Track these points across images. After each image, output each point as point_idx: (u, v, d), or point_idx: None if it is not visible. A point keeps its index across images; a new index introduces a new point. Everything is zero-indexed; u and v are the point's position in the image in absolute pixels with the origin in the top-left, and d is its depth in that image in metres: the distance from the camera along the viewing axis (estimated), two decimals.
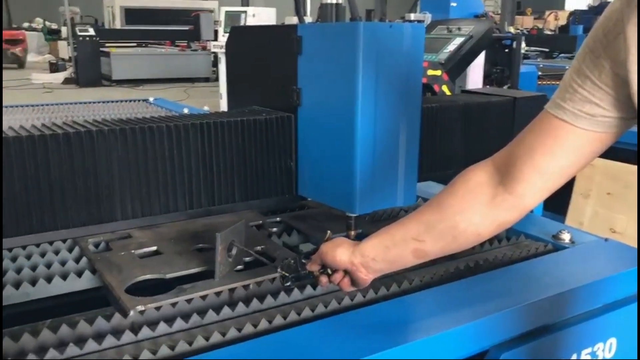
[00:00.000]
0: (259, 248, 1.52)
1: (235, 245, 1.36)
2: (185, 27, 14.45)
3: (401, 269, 1.18)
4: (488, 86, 4.81)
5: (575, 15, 13.89)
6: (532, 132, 0.99)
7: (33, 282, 1.33)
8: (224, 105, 7.69)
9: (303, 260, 1.23)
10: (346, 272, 1.16)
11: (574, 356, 1.33)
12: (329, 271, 1.18)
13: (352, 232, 1.59)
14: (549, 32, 13.88)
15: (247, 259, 1.44)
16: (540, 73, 5.63)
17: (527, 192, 0.99)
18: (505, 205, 1.00)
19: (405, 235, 1.08)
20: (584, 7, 19.18)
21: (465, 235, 1.04)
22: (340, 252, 1.14)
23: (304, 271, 1.22)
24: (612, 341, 1.39)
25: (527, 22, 19.14)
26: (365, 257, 1.12)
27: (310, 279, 1.24)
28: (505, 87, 4.86)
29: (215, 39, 9.84)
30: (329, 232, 1.27)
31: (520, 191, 0.99)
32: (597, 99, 0.90)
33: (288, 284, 1.23)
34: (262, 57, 1.88)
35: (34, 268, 1.40)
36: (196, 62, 14.05)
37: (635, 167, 2.95)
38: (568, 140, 0.94)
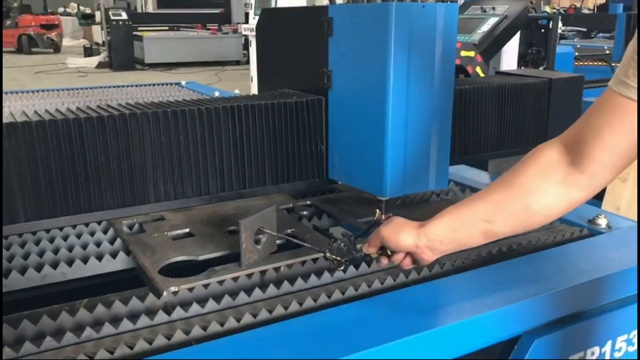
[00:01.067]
0: (289, 231, 1.52)
1: (265, 232, 1.35)
2: (216, 10, 14.48)
3: (467, 248, 1.17)
4: (523, 67, 4.70)
5: None
6: (598, 112, 0.97)
7: (70, 263, 1.36)
8: (254, 88, 7.70)
9: (355, 243, 1.20)
10: (408, 252, 1.15)
11: (609, 343, 1.30)
12: (389, 252, 1.17)
13: (383, 216, 1.58)
14: (587, 11, 13.48)
15: (279, 241, 1.44)
16: (577, 54, 5.48)
17: (598, 171, 0.99)
18: (577, 184, 1.00)
19: (474, 216, 1.07)
20: None
21: (538, 215, 1.04)
22: (405, 236, 1.12)
23: (359, 254, 1.20)
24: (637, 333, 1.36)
25: (564, 0, 18.62)
26: (432, 240, 1.10)
27: (365, 260, 1.22)
28: (541, 68, 4.75)
29: (246, 22, 9.84)
30: (377, 211, 1.24)
31: (592, 170, 0.98)
32: None
33: (342, 268, 1.21)
34: (292, 39, 1.88)
35: (70, 249, 1.43)
36: (227, 45, 14.10)
37: None
38: (634, 117, 0.92)
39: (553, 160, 1.02)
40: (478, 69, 3.80)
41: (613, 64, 5.22)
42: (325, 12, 1.63)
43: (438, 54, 1.49)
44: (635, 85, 0.91)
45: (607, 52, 6.47)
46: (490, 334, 1.14)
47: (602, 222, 1.57)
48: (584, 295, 1.27)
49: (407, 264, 1.18)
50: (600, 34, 9.07)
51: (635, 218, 1.66)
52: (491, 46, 3.98)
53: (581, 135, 0.99)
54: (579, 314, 1.26)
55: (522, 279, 1.25)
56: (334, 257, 1.20)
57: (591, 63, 5.56)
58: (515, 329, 1.18)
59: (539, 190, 1.02)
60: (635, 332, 1.34)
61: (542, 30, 4.85)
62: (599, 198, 3.18)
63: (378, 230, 1.17)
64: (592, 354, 1.27)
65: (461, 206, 1.10)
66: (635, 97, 0.91)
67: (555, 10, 12.12)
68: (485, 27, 4.06)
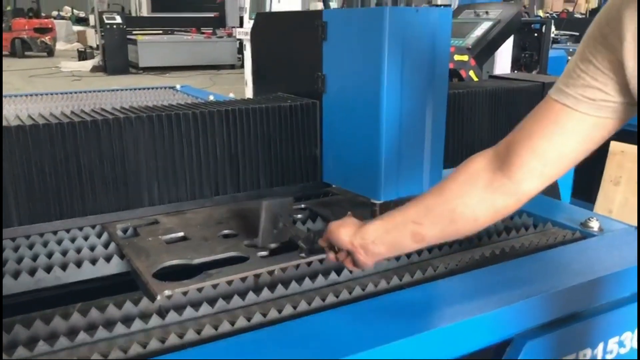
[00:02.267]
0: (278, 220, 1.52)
1: (281, 221, 1.42)
2: (211, 14, 14.50)
3: (401, 253, 1.21)
4: (516, 71, 4.73)
5: None
6: (533, 117, 0.98)
7: (64, 267, 1.36)
8: (249, 92, 7.71)
9: (320, 236, 1.29)
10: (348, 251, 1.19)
11: (601, 344, 1.31)
12: (336, 248, 1.23)
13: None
14: (579, 16, 13.56)
15: (273, 245, 1.45)
16: (569, 57, 5.51)
17: (525, 177, 0.98)
18: (502, 189, 1.00)
19: (404, 218, 1.09)
20: None
21: (463, 219, 1.05)
22: (344, 232, 1.16)
23: (317, 245, 1.29)
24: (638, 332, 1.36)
25: (556, 5, 18.72)
26: (365, 240, 1.13)
27: (321, 252, 1.30)
28: (534, 72, 4.77)
29: (241, 26, 9.85)
30: (349, 213, 1.29)
31: (519, 176, 0.98)
32: (600, 84, 0.89)
33: (302, 254, 1.33)
34: (287, 44, 1.88)
35: (64, 253, 1.43)
36: (222, 49, 14.12)
37: None
38: (568, 125, 0.93)
39: (482, 167, 1.03)
40: (471, 73, 3.82)
41: None
42: (320, 17, 1.64)
43: (432, 57, 1.50)
44: (573, 94, 0.91)
45: None
46: (483, 337, 1.15)
47: (594, 224, 1.58)
48: (576, 297, 1.27)
49: (349, 263, 1.21)
50: None
51: (627, 221, 1.67)
52: (484, 50, 4.00)
53: (513, 140, 0.99)
54: (571, 316, 1.26)
55: (515, 282, 1.26)
56: (301, 244, 1.34)
57: None
58: (507, 331, 1.19)
59: (464, 194, 1.03)
60: (628, 333, 1.35)
61: (535, 35, 4.88)
62: (591, 201, 3.20)
63: (329, 225, 1.22)
64: (584, 355, 1.27)
65: (396, 210, 1.12)
66: (571, 105, 0.91)
67: (548, 15, 12.19)
68: (479, 31, 4.08)
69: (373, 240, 1.13)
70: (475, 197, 1.02)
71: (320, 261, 1.36)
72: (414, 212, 1.08)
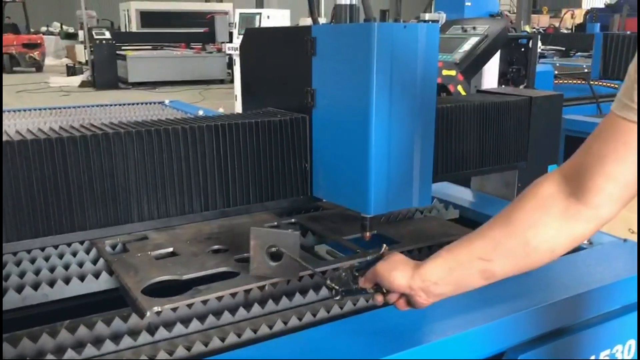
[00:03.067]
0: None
1: (284, 253, 1.29)
2: (200, 30, 14.54)
3: (466, 291, 1.06)
4: (504, 86, 4.77)
5: (592, 14, 13.73)
6: (600, 139, 0.91)
7: (51, 284, 1.34)
8: (238, 107, 7.72)
9: (356, 274, 1.16)
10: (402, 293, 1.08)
11: (592, 357, 1.31)
12: (384, 290, 1.11)
13: (367, 234, 1.58)
14: (565, 31, 13.75)
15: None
16: (556, 72, 5.58)
17: (603, 202, 0.91)
18: (580, 216, 0.93)
19: (470, 255, 1.00)
20: (601, 5, 18.98)
21: (538, 252, 0.97)
22: (399, 275, 1.05)
23: (356, 286, 1.15)
24: (632, 343, 1.37)
25: (543, 20, 18.97)
26: (426, 282, 1.03)
27: (362, 294, 1.18)
28: (521, 86, 4.82)
29: (230, 41, 9.89)
30: (385, 246, 1.19)
31: (596, 202, 0.91)
32: None
33: (338, 297, 1.18)
34: (276, 59, 1.89)
35: (52, 269, 1.42)
36: (211, 64, 14.14)
37: None
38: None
39: (552, 193, 0.95)
40: (459, 88, 3.85)
41: (591, 82, 5.32)
42: (309, 32, 1.65)
43: (420, 73, 1.51)
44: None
45: (586, 70, 6.60)
46: (475, 351, 1.15)
47: None
48: (567, 310, 1.28)
49: (402, 305, 1.10)
50: (579, 53, 9.25)
51: (616, 233, 1.68)
52: (472, 65, 4.04)
53: (583, 164, 0.92)
54: (562, 330, 1.27)
55: (506, 295, 1.26)
56: (333, 285, 1.17)
57: (570, 81, 5.66)
58: (499, 345, 1.19)
59: (538, 224, 0.95)
60: (619, 346, 1.36)
61: (522, 50, 4.94)
62: None
63: (375, 266, 1.10)
64: None
65: (457, 245, 1.03)
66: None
67: (534, 30, 12.34)
68: (467, 47, 4.12)
69: (436, 282, 1.02)
70: (551, 227, 0.95)
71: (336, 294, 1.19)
72: (480, 247, 0.99)
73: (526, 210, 0.96)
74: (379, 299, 1.12)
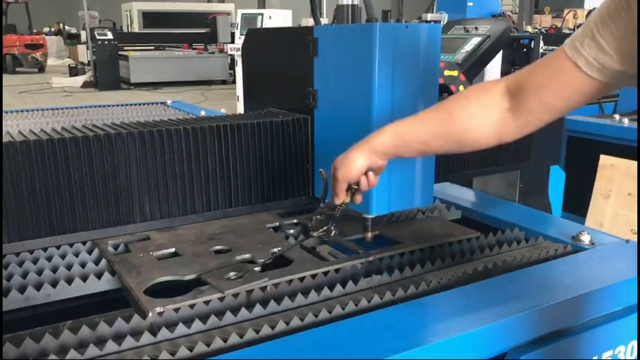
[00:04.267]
0: (276, 250, 1.52)
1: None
2: (202, 30, 14.56)
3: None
4: None
5: None
6: (545, 68, 1.07)
7: (54, 284, 1.35)
8: (240, 108, 7.73)
9: (323, 209, 1.32)
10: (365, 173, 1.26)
11: (595, 358, 1.31)
12: (354, 186, 1.26)
13: (369, 234, 1.58)
14: (567, 31, 13.73)
15: (267, 261, 1.44)
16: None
17: (531, 120, 1.10)
18: (509, 128, 1.12)
19: (414, 139, 1.20)
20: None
21: (468, 145, 1.18)
22: (357, 161, 1.23)
23: (337, 211, 1.29)
24: (634, 344, 1.37)
25: (545, 21, 18.97)
26: (379, 153, 1.23)
27: (345, 209, 1.30)
28: None
29: (232, 42, 9.90)
30: (321, 171, 1.34)
31: (525, 119, 1.10)
32: (612, 50, 0.95)
33: (333, 232, 1.30)
34: (278, 59, 1.89)
35: (54, 270, 1.42)
36: (213, 64, 14.16)
37: None
38: (575, 84, 1.01)
39: (494, 102, 1.12)
40: (462, 88, 3.85)
41: None
42: (311, 33, 1.65)
43: (422, 73, 1.51)
44: (587, 56, 0.97)
45: None
46: (477, 352, 1.15)
47: (586, 238, 1.58)
48: (570, 311, 1.27)
49: (373, 181, 1.29)
50: None
51: (618, 234, 1.67)
52: (474, 65, 4.04)
53: (525, 86, 1.08)
54: (564, 330, 1.26)
55: (508, 296, 1.26)
56: (320, 230, 1.30)
57: None
58: (501, 346, 1.19)
59: (474, 127, 1.14)
60: (621, 347, 1.35)
61: (524, 50, 4.94)
62: (582, 215, 3.21)
63: (333, 176, 1.27)
64: None
65: (403, 126, 1.21)
66: (583, 67, 0.98)
67: (536, 30, 12.34)
68: (469, 47, 4.12)
69: (385, 152, 1.23)
70: (484, 130, 1.13)
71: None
72: (423, 133, 1.18)
73: (469, 112, 1.14)
74: (359, 197, 1.30)
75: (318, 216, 1.30)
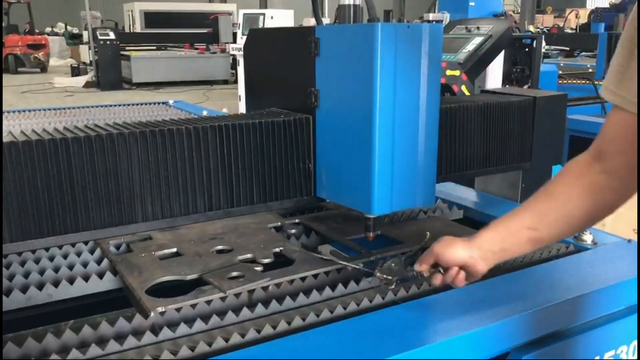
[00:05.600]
0: (277, 250, 1.52)
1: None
2: (204, 30, 14.56)
3: (517, 256, 1.26)
4: (508, 86, 4.76)
5: (597, 13, 13.69)
6: (608, 124, 1.06)
7: (56, 284, 1.35)
8: (242, 108, 7.73)
9: (405, 263, 1.24)
10: (461, 268, 1.20)
11: (597, 358, 1.31)
12: (441, 269, 1.21)
13: (371, 234, 1.58)
14: (569, 31, 13.71)
15: (267, 260, 1.44)
16: (560, 72, 5.57)
17: (624, 173, 1.04)
18: (608, 188, 1.08)
19: (520, 225, 1.15)
20: (606, 5, 18.93)
21: (577, 221, 1.13)
22: (458, 249, 1.18)
23: (411, 272, 1.24)
24: (636, 344, 1.36)
25: (547, 20, 18.94)
26: (484, 250, 1.17)
27: (417, 280, 1.25)
28: (525, 86, 4.81)
29: (234, 42, 9.90)
30: (428, 233, 1.32)
31: (618, 172, 1.05)
32: None
33: (393, 286, 1.24)
34: (280, 59, 1.89)
35: (56, 269, 1.42)
36: (215, 64, 14.15)
37: None
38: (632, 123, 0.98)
39: (583, 169, 1.10)
40: (463, 88, 3.84)
41: (596, 82, 5.31)
42: (312, 33, 1.65)
43: (424, 73, 1.51)
44: (625, 95, 0.96)
45: (590, 70, 6.58)
46: (479, 351, 1.15)
47: (588, 238, 1.58)
48: (572, 311, 1.27)
49: (461, 279, 1.21)
50: (583, 53, 9.23)
51: (621, 234, 1.67)
52: (476, 65, 4.03)
53: (601, 146, 1.08)
54: (566, 330, 1.26)
55: (510, 296, 1.26)
56: (385, 276, 1.23)
57: (574, 81, 5.65)
58: (503, 345, 1.19)
59: (574, 197, 1.10)
60: (624, 347, 1.35)
61: (526, 50, 4.93)
62: None
63: (431, 248, 1.22)
64: None
65: (507, 217, 1.17)
66: (628, 108, 0.97)
67: (538, 30, 12.32)
68: (470, 47, 4.11)
69: (491, 249, 1.17)
70: (586, 198, 1.09)
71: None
72: (528, 218, 1.14)
73: (565, 185, 1.12)
74: (438, 279, 1.23)
75: (392, 264, 1.24)
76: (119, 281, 1.40)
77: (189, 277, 1.37)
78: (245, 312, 1.21)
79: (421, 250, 1.26)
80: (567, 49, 9.52)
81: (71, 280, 1.36)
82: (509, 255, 1.21)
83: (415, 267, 1.24)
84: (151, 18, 16.19)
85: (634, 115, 0.97)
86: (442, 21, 4.98)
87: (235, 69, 11.29)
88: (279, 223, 1.75)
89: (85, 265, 1.45)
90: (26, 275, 1.38)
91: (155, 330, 1.14)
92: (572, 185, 1.11)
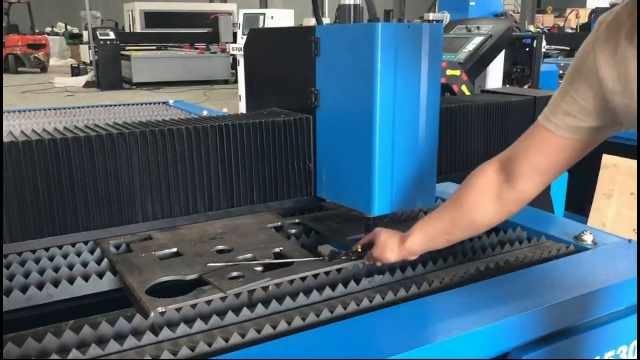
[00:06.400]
0: (277, 250, 1.52)
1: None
2: (205, 30, 14.56)
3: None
4: (508, 85, 4.76)
5: (597, 13, 13.66)
6: (528, 138, 1.20)
7: (56, 284, 1.35)
8: (242, 107, 7.73)
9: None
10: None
11: (597, 358, 1.31)
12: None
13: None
14: (570, 31, 13.70)
15: (268, 260, 1.44)
16: (561, 72, 5.56)
17: (527, 187, 1.20)
18: (510, 199, 1.23)
19: (438, 231, 1.33)
20: (606, 5, 18.92)
21: (482, 225, 1.31)
22: (391, 254, 1.35)
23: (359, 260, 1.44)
24: (636, 343, 1.36)
25: (547, 20, 18.93)
26: (411, 252, 1.35)
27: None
28: (525, 86, 4.81)
29: (234, 41, 9.90)
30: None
31: (522, 187, 1.20)
32: (575, 112, 1.09)
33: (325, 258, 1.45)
34: (280, 59, 1.89)
35: (56, 269, 1.42)
36: (215, 64, 14.14)
37: None
38: (555, 144, 1.14)
39: (491, 181, 1.24)
40: (464, 88, 3.84)
41: None
42: (313, 33, 1.65)
43: (424, 73, 1.51)
44: (555, 121, 1.12)
45: None
46: (479, 351, 1.14)
47: (588, 238, 1.58)
48: (572, 311, 1.27)
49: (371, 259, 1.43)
50: None
51: (621, 234, 1.67)
52: (476, 65, 4.03)
53: (512, 157, 1.21)
54: (567, 330, 1.26)
55: (510, 296, 1.26)
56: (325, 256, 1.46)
57: None
58: (504, 345, 1.19)
59: (481, 207, 1.26)
60: (624, 347, 1.35)
61: (527, 49, 4.93)
62: (584, 214, 3.21)
63: (370, 253, 1.40)
64: None
65: (428, 222, 1.35)
66: (554, 130, 1.12)
67: (539, 30, 12.31)
68: (471, 46, 4.11)
69: (417, 250, 1.35)
70: (490, 208, 1.25)
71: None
72: (442, 225, 1.32)
73: (472, 196, 1.27)
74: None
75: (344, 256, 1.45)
76: (119, 281, 1.40)
77: (189, 277, 1.37)
78: (245, 312, 1.21)
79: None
80: (568, 48, 9.52)
81: (71, 280, 1.36)
82: (429, 250, 1.39)
83: (352, 247, 1.45)
84: (151, 18, 16.18)
85: (559, 138, 1.12)
86: (442, 21, 4.98)
87: (236, 69, 11.28)
88: (279, 223, 1.75)
89: (85, 265, 1.45)
90: (26, 275, 1.38)
91: (155, 330, 1.14)
92: (479, 196, 1.25)
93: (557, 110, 1.13)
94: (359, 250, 1.44)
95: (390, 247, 1.35)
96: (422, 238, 1.34)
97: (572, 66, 1.12)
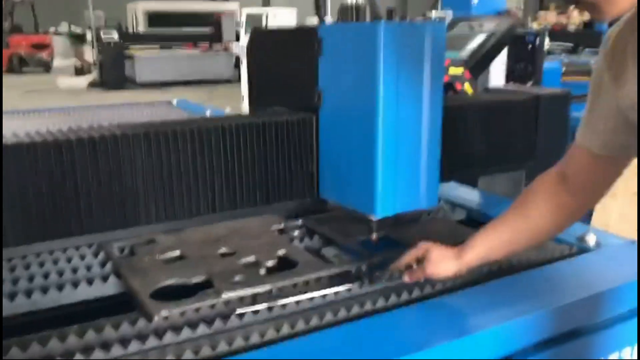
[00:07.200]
0: (281, 252, 1.52)
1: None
2: (207, 29, 14.56)
3: None
4: (511, 82, 4.74)
5: None
6: (571, 161, 1.23)
7: (60, 288, 1.35)
8: (246, 107, 7.73)
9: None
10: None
11: (601, 359, 1.30)
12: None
13: (374, 236, 1.58)
14: (573, 28, 13.64)
15: (270, 263, 1.44)
16: (564, 69, 5.54)
17: (587, 201, 1.25)
18: (572, 209, 1.25)
19: (500, 241, 1.29)
20: None
21: (546, 236, 1.32)
22: (448, 267, 1.28)
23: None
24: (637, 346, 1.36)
25: (550, 17, 18.82)
26: (469, 266, 1.30)
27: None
28: (528, 83, 4.79)
29: (237, 40, 9.90)
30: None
31: (582, 201, 1.24)
32: (601, 131, 1.12)
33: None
34: (283, 59, 1.89)
35: (60, 273, 1.42)
36: (218, 63, 14.14)
37: None
38: (600, 164, 1.18)
39: (552, 189, 1.24)
40: (467, 86, 3.83)
41: None
42: (315, 32, 1.64)
43: (427, 71, 1.50)
44: (596, 141, 1.14)
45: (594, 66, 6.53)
46: (484, 353, 1.14)
47: (591, 239, 1.57)
48: (575, 313, 1.27)
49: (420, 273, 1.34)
50: (587, 49, 9.17)
51: (624, 235, 1.66)
52: (479, 63, 4.01)
53: (568, 168, 1.23)
54: (570, 332, 1.26)
55: (514, 298, 1.25)
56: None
57: (578, 78, 5.62)
58: (508, 348, 1.18)
59: (546, 215, 1.25)
60: (628, 349, 1.34)
61: (530, 47, 4.91)
62: (588, 215, 3.19)
63: (424, 269, 1.29)
64: None
65: (489, 233, 1.30)
66: (598, 151, 1.14)
67: (542, 27, 12.25)
68: (473, 44, 4.09)
69: (475, 264, 1.30)
70: (554, 219, 1.25)
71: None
72: (506, 236, 1.28)
73: (536, 205, 1.26)
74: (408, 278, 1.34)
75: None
76: (123, 285, 1.40)
77: (194, 281, 1.37)
78: (249, 316, 1.21)
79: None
80: (571, 45, 9.48)
81: (75, 284, 1.36)
82: (487, 262, 1.36)
83: (391, 267, 1.35)
84: (154, 18, 16.18)
85: (592, 155, 1.15)
86: (445, 19, 4.96)
87: (239, 68, 11.28)
88: (283, 225, 1.75)
89: (89, 268, 1.45)
90: (30, 279, 1.38)
91: (159, 334, 1.14)
92: (542, 205, 1.25)
93: (587, 130, 1.16)
94: (402, 269, 1.34)
95: (446, 262, 1.28)
96: (484, 251, 1.30)
97: (590, 84, 1.15)
